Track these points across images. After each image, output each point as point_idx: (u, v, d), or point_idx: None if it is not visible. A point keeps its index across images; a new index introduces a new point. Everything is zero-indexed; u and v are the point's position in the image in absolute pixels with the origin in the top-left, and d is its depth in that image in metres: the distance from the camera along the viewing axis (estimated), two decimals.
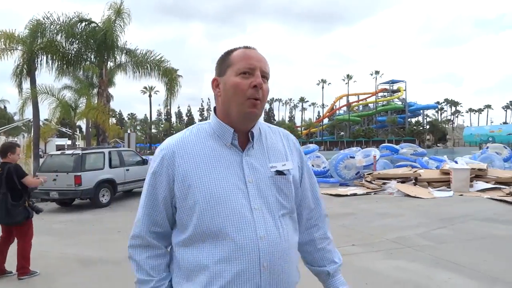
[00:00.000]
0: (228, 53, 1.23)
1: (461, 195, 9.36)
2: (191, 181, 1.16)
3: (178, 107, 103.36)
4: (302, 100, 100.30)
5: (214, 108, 1.28)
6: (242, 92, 1.16)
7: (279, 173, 1.22)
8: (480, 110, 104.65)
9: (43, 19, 13.30)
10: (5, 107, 61.44)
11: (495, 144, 18.28)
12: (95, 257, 5.17)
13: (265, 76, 1.19)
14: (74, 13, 13.77)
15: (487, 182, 10.13)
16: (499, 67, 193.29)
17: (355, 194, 10.01)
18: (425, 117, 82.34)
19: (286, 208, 1.22)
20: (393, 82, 79.78)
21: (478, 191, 9.64)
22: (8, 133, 39.83)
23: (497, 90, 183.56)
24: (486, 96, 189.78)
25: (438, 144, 67.75)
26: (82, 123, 22.48)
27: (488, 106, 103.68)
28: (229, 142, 1.21)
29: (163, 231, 1.24)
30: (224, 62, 1.22)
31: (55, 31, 13.51)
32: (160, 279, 1.22)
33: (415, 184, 10.52)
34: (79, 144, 27.86)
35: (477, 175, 10.40)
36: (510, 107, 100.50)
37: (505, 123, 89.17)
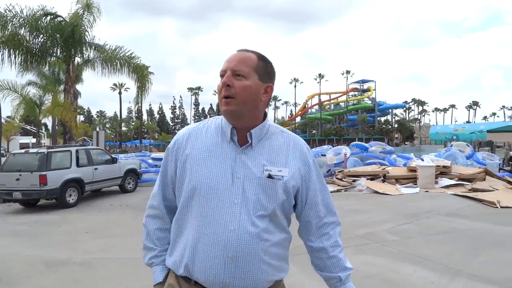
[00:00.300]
0: None
1: (427, 191, 9.71)
2: (189, 166, 1.30)
3: (150, 104, 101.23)
4: (275, 98, 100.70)
5: None
6: (219, 93, 1.29)
7: (270, 177, 1.27)
8: (445, 110, 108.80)
9: (5, 11, 12.72)
10: None
11: (459, 142, 19.11)
12: (62, 259, 5.00)
13: (238, 74, 1.26)
14: (38, 6, 13.27)
15: (451, 178, 10.55)
16: (462, 69, 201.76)
17: None
18: (393, 116, 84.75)
19: (266, 210, 1.26)
20: (363, 81, 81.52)
21: (442, 187, 10.02)
22: None
23: (461, 90, 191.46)
24: (451, 96, 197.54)
25: (405, 142, 69.73)
26: (48, 121, 21.67)
27: (453, 106, 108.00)
28: (229, 138, 1.30)
29: (170, 204, 1.41)
30: None
31: (18, 24, 12.94)
32: (162, 250, 1.40)
33: (383, 181, 10.82)
34: (44, 143, 26.89)
35: (442, 172, 10.82)
36: (473, 107, 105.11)
37: (468, 122, 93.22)
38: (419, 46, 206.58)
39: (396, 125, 79.25)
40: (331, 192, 8.67)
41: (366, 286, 3.83)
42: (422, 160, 12.51)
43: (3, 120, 15.97)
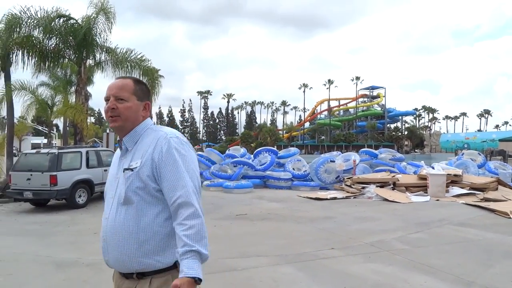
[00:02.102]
0: None
1: (437, 200, 9.58)
2: None
3: (159, 107, 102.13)
4: (284, 103, 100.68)
5: None
6: (106, 114, 1.62)
7: (129, 170, 1.55)
8: (456, 118, 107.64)
9: (20, 13, 12.90)
10: None
11: (470, 150, 18.80)
12: (70, 259, 5.02)
13: (120, 98, 1.58)
14: (52, 8, 13.43)
15: (462, 187, 10.41)
16: (474, 77, 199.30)
17: (335, 198, 10.10)
18: (403, 123, 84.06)
19: (122, 198, 1.54)
20: (373, 88, 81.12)
21: (453, 196, 9.89)
22: None
23: (472, 98, 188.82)
24: (462, 104, 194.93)
25: (415, 150, 69.09)
26: (59, 122, 21.82)
27: (464, 114, 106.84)
28: (121, 148, 1.68)
29: None
30: None
31: (32, 26, 13.12)
32: None
33: (393, 188, 10.70)
34: (55, 143, 27.21)
35: (453, 180, 10.67)
36: (484, 115, 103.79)
37: (479, 130, 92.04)
38: (430, 53, 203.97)
39: (406, 132, 78.57)
40: (339, 198, 8.60)
41: None
42: (433, 168, 12.35)
43: (15, 120, 16.17)
